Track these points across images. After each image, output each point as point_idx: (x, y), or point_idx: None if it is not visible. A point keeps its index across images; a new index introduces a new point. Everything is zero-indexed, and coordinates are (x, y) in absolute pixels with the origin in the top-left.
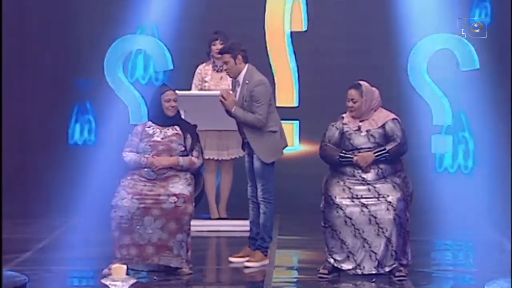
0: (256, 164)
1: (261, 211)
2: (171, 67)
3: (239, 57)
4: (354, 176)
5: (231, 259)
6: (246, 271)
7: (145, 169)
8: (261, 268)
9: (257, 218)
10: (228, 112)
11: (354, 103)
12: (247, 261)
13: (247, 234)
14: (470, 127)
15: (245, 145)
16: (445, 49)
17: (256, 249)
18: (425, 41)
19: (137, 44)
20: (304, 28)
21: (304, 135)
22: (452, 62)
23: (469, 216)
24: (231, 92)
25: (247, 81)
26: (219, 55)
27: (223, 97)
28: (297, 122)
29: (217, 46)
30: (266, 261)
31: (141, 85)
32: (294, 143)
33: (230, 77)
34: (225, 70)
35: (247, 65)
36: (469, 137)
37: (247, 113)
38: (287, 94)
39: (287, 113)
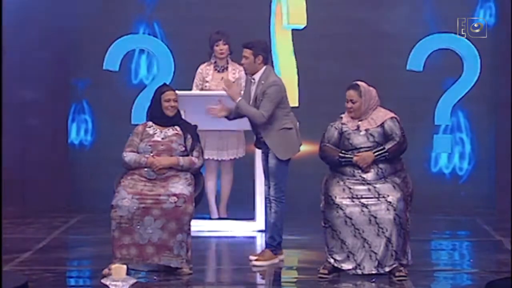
0: (271, 162)
1: (272, 210)
2: (173, 68)
3: (260, 57)
4: (354, 176)
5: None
6: (254, 269)
7: (145, 169)
8: (266, 268)
9: None
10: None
11: (353, 103)
12: (256, 260)
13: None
14: (468, 127)
15: (260, 143)
16: (445, 49)
17: (266, 247)
18: (426, 41)
19: (139, 44)
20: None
21: (304, 136)
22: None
23: (468, 216)
24: (234, 83)
25: (262, 81)
26: (222, 55)
27: (226, 86)
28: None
29: (220, 46)
30: (275, 260)
31: (145, 85)
32: None
33: (246, 73)
34: (242, 64)
35: (265, 66)
36: (465, 138)
37: (251, 106)
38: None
39: None
